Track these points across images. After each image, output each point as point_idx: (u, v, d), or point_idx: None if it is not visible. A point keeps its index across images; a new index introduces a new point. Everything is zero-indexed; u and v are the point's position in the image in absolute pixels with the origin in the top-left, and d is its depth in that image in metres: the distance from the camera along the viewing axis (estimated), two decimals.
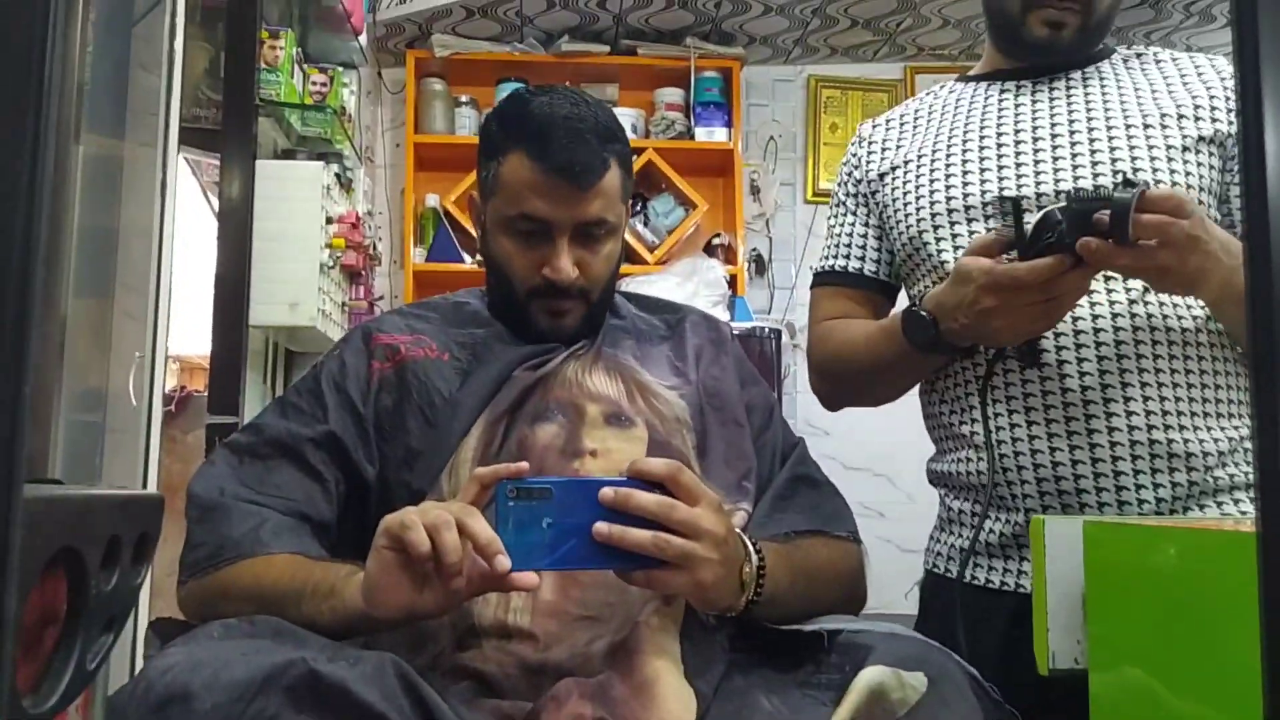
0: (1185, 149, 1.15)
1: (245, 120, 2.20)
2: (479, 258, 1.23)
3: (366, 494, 1.05)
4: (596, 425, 1.04)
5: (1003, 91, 1.26)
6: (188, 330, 2.23)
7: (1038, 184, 1.17)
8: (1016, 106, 1.24)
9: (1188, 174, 1.14)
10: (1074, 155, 1.17)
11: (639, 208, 3.48)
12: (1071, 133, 1.19)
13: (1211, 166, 1.15)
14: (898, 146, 1.32)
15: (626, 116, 3.46)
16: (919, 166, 1.27)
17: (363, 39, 2.70)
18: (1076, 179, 1.16)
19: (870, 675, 0.82)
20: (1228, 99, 1.15)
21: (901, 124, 1.36)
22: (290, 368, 2.72)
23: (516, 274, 1.10)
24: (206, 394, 2.22)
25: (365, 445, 1.05)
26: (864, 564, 1.10)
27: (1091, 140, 1.18)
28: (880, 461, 3.25)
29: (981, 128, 1.24)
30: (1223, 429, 1.14)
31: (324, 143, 2.58)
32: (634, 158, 3.46)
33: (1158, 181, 1.13)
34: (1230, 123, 1.14)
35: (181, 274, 2.14)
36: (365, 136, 3.24)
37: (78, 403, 1.85)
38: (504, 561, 0.80)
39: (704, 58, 3.47)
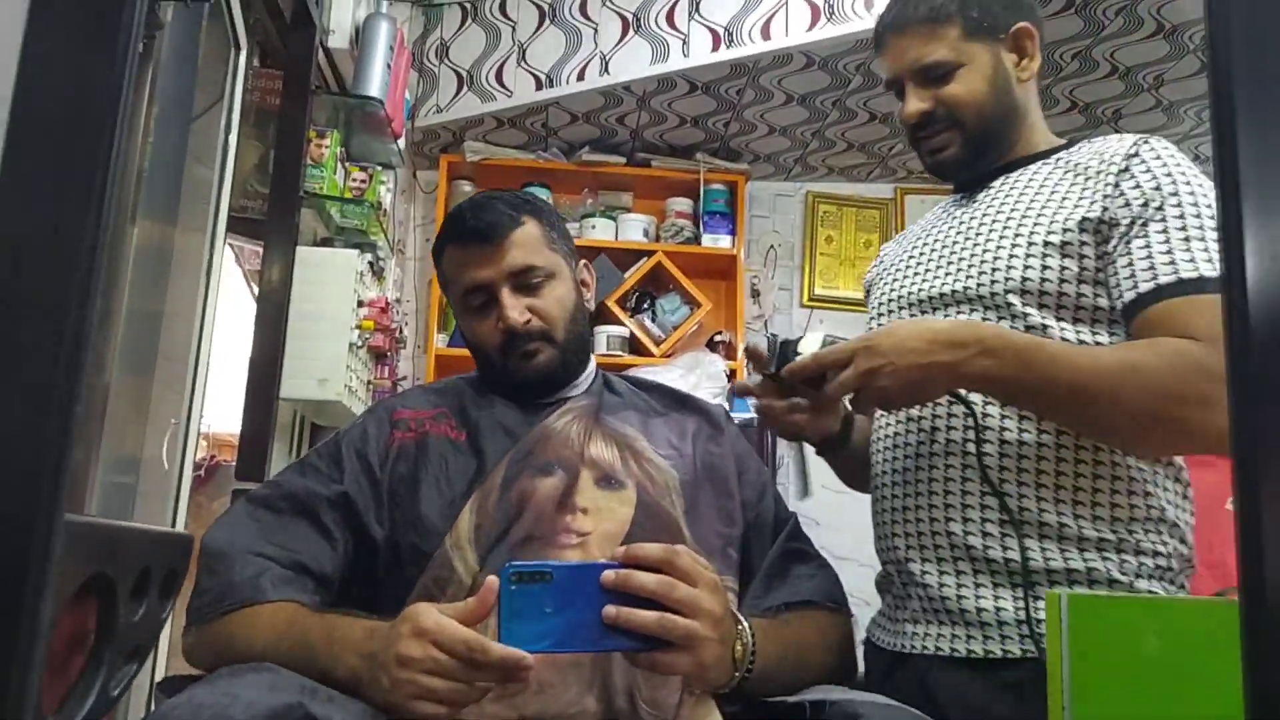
0: (1047, 244, 1.09)
1: (290, 210, 2.24)
2: None
3: (375, 554, 1.04)
4: (588, 486, 1.04)
5: (951, 204, 1.30)
6: (221, 406, 2.24)
7: (944, 283, 1.18)
8: (951, 217, 1.26)
9: (1045, 269, 1.09)
10: (967, 258, 1.17)
11: (647, 305, 3.51)
12: (967, 238, 1.19)
13: (1083, 256, 1.08)
14: (882, 257, 1.40)
15: (639, 223, 3.52)
16: (883, 271, 1.34)
17: (401, 143, 2.77)
18: (965, 280, 1.15)
19: None
20: (1115, 180, 1.08)
21: (897, 240, 1.42)
22: (315, 440, 2.72)
23: (485, 342, 1.14)
24: (234, 464, 2.21)
25: (378, 508, 1.05)
26: (853, 635, 1.08)
27: (976, 245, 1.17)
28: (869, 550, 3.20)
29: (923, 236, 1.29)
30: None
31: (360, 234, 2.62)
32: (645, 259, 3.51)
33: (1024, 278, 1.09)
34: (1105, 208, 1.07)
35: (220, 352, 2.16)
36: (398, 230, 3.30)
37: (115, 466, 1.85)
38: (528, 667, 0.79)
39: (712, 171, 3.54)
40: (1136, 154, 1.09)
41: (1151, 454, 1.07)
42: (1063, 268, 1.08)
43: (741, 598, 1.06)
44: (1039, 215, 1.12)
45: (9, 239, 0.44)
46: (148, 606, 0.55)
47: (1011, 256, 1.11)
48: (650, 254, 3.47)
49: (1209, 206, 1.04)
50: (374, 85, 2.51)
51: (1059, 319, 1.08)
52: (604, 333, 3.33)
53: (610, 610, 0.81)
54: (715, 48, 2.91)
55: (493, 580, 0.82)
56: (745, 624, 0.90)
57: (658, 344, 3.43)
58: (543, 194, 3.41)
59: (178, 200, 2.13)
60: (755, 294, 3.70)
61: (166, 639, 1.76)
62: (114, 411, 1.77)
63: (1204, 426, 0.94)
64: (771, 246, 3.76)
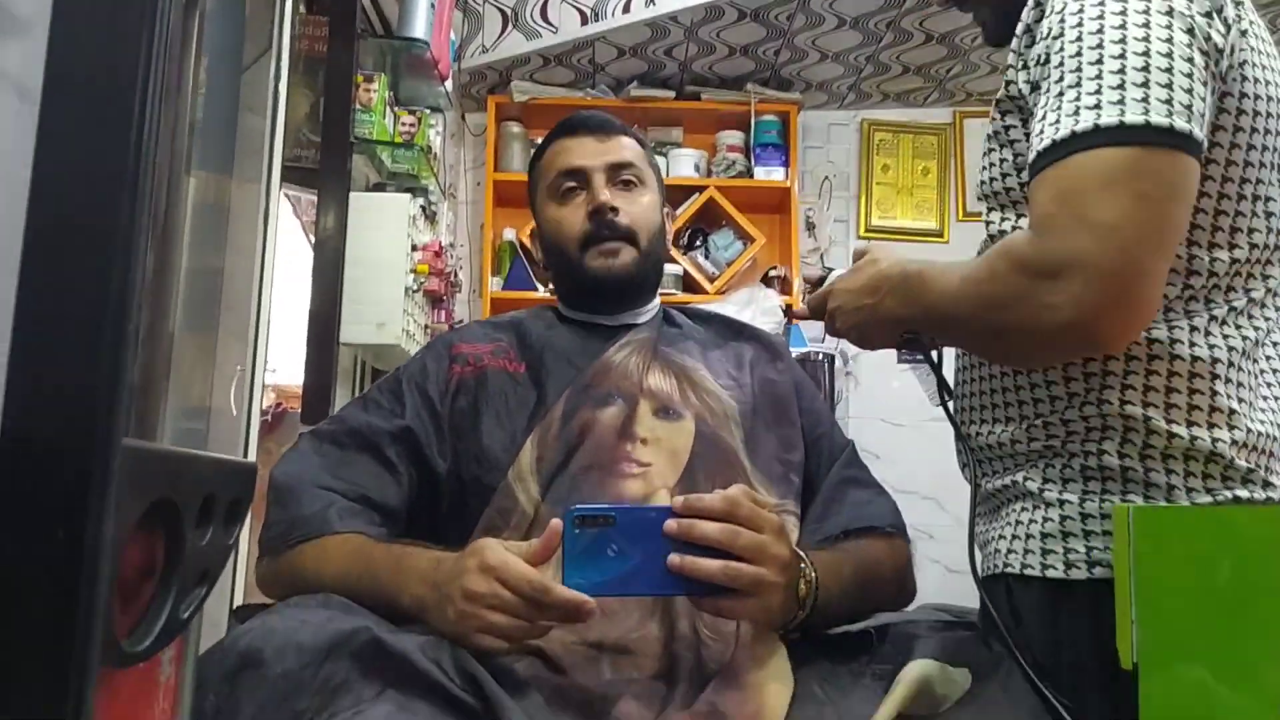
0: (987, 139, 0.99)
1: (341, 156, 2.25)
2: (550, 287, 1.26)
3: (438, 486, 1.05)
4: (646, 416, 1.03)
5: None
6: (284, 356, 2.28)
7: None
8: None
9: (988, 167, 0.99)
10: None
11: (700, 241, 3.48)
12: None
13: (1013, 141, 0.96)
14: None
15: (690, 157, 3.47)
16: None
17: (448, 85, 2.75)
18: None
19: (917, 669, 0.80)
20: (1022, 39, 0.93)
21: None
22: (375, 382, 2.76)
23: (566, 230, 1.15)
24: (300, 410, 2.26)
25: (440, 441, 1.06)
26: (911, 559, 1.07)
27: None
28: (929, 485, 3.18)
29: None
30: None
31: (411, 178, 2.62)
32: (696, 195, 3.48)
33: (979, 182, 1.01)
34: (1012, 80, 0.94)
35: (279, 300, 2.19)
36: (449, 174, 3.30)
37: (183, 414, 1.89)
38: (590, 609, 0.79)
39: (763, 102, 3.47)
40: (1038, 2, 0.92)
41: (1030, 366, 0.95)
42: (1002, 160, 0.97)
43: (802, 521, 1.05)
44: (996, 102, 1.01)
45: (54, 167, 0.44)
46: (214, 532, 0.56)
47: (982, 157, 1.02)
48: (702, 189, 3.42)
49: (1096, 29, 0.84)
50: (419, 27, 2.49)
51: (1017, 216, 0.96)
52: None
53: (675, 559, 0.80)
54: None
55: (556, 523, 0.82)
56: (807, 562, 0.90)
57: (711, 281, 3.40)
58: None
59: (232, 152, 2.14)
60: (810, 227, 3.64)
61: (243, 570, 1.82)
62: (180, 361, 1.81)
63: (1034, 327, 0.81)
64: (826, 177, 3.68)
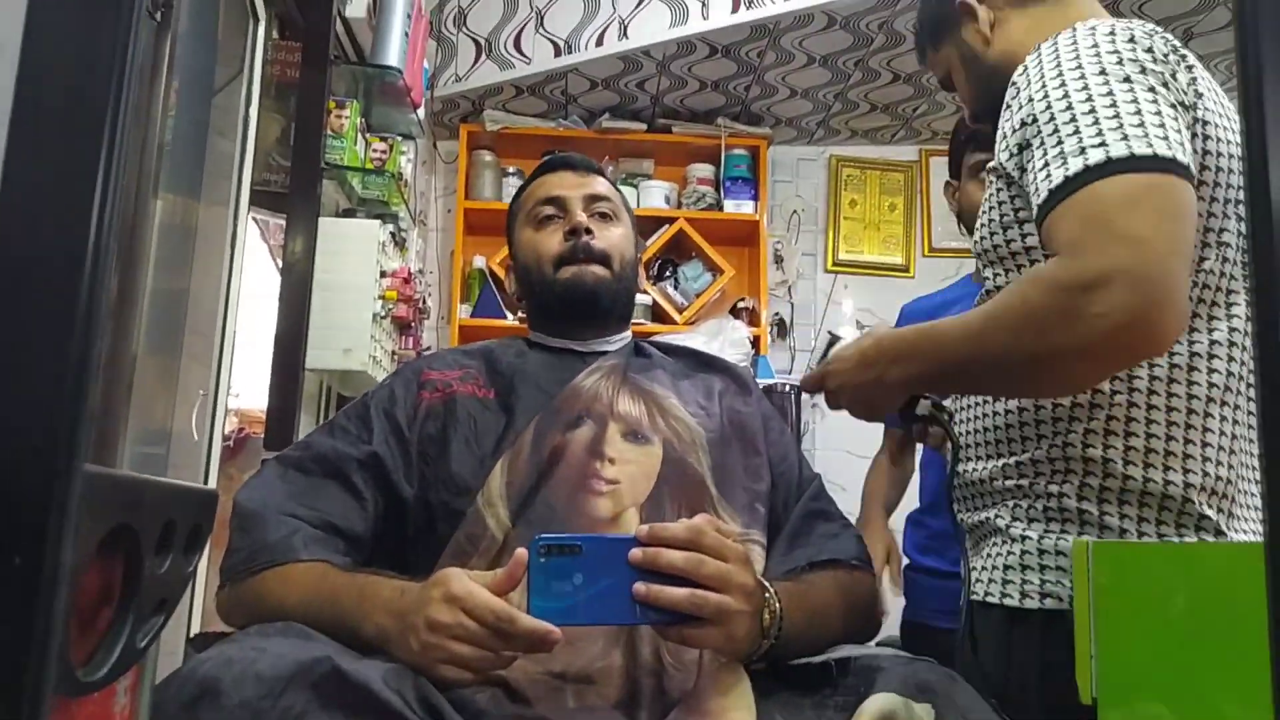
0: (983, 203, 1.05)
1: (311, 182, 2.24)
2: (520, 315, 1.27)
3: (405, 512, 1.04)
4: (616, 438, 1.04)
5: None
6: (248, 381, 2.25)
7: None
8: None
9: (983, 226, 1.05)
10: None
11: (669, 273, 3.50)
12: None
13: (1001, 202, 1.02)
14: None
15: (660, 189, 3.50)
16: None
17: (421, 112, 2.76)
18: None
19: (878, 702, 0.79)
20: (1007, 105, 1.00)
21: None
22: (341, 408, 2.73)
23: (543, 250, 1.18)
24: (263, 436, 2.24)
25: (407, 467, 1.05)
26: (877, 593, 1.08)
27: None
28: (893, 517, 3.20)
29: None
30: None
31: (381, 204, 2.62)
32: (666, 226, 3.50)
33: (977, 241, 1.06)
34: (1003, 144, 0.99)
35: (247, 326, 2.17)
36: (420, 201, 3.30)
37: (144, 438, 1.87)
38: (555, 639, 0.79)
39: (734, 136, 3.51)
40: (1022, 70, 0.98)
41: (1069, 390, 0.97)
42: (990, 220, 1.03)
43: (768, 554, 1.06)
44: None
45: (21, 190, 0.44)
46: (173, 560, 0.55)
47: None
48: (672, 221, 3.45)
49: (1080, 88, 0.90)
50: (392, 54, 2.50)
51: (1007, 271, 1.02)
52: None
53: (640, 588, 0.80)
54: (735, 9, 2.87)
55: (522, 553, 0.81)
56: (772, 591, 0.90)
57: (680, 311, 3.42)
58: None
59: (201, 175, 2.13)
60: (778, 260, 3.67)
61: (201, 598, 1.78)
62: (142, 384, 1.79)
63: (1080, 342, 0.83)
64: (795, 211, 3.73)
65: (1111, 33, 0.94)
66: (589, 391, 1.08)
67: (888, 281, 3.64)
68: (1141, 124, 0.86)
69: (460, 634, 0.79)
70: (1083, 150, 0.86)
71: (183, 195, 2.13)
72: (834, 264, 3.69)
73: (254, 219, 2.31)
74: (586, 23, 3.05)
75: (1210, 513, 0.92)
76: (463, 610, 0.80)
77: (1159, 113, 0.88)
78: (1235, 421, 0.98)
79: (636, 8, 3.00)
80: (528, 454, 1.02)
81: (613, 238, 1.19)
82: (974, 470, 1.07)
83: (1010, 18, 1.13)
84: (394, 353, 2.61)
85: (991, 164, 1.03)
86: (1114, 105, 0.88)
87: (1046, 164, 0.89)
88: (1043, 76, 0.94)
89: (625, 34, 3.00)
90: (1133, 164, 0.84)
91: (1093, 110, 0.88)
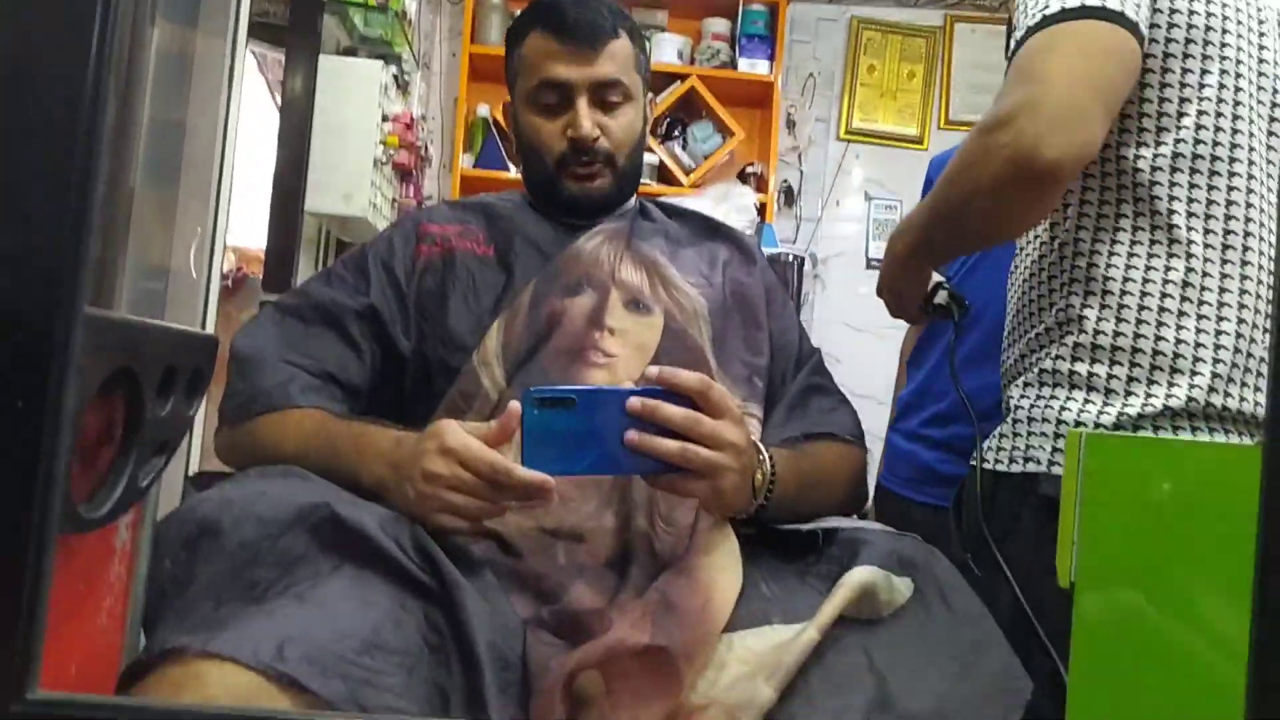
0: None
1: (312, 16, 2.16)
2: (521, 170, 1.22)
3: (402, 366, 1.05)
4: (617, 308, 1.03)
5: None
6: (247, 221, 2.23)
7: None
8: None
9: None
10: None
11: (678, 132, 3.42)
12: None
13: None
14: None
15: (673, 43, 3.38)
16: None
17: None
18: None
19: (860, 575, 0.82)
20: None
21: None
22: (340, 255, 2.72)
23: (544, 145, 1.10)
24: (261, 277, 2.23)
25: (404, 320, 1.05)
26: (866, 468, 1.10)
27: None
28: (885, 391, 3.24)
29: None
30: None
31: (384, 44, 2.53)
32: (678, 83, 3.39)
33: None
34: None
35: (243, 164, 2.13)
36: (424, 43, 3.18)
37: (143, 273, 1.86)
38: (550, 489, 0.80)
39: None
40: None
41: (1005, 230, 1.04)
42: None
43: (765, 425, 1.07)
44: None
45: (18, 26, 0.42)
46: (174, 403, 0.56)
47: None
48: (684, 78, 3.34)
49: None
50: None
51: None
52: None
53: (633, 436, 0.81)
54: None
55: (515, 405, 0.82)
56: (766, 454, 0.91)
57: (687, 173, 3.36)
58: None
59: (198, 2, 2.05)
60: (791, 125, 3.58)
61: (200, 438, 1.82)
62: (139, 219, 1.76)
63: (997, 176, 0.91)
64: (810, 74, 3.61)
65: None
66: (590, 255, 1.07)
67: (900, 153, 3.56)
68: None
69: (456, 484, 0.81)
70: (1031, 15, 0.95)
71: (178, 23, 2.05)
72: (847, 132, 3.61)
73: (252, 52, 2.23)
74: None
75: (1203, 369, 0.98)
76: (458, 461, 0.81)
77: None
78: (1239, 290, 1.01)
79: None
80: (524, 316, 1.02)
81: (620, 129, 1.10)
82: (1005, 353, 1.14)
83: None
84: (394, 200, 2.58)
85: None
86: None
87: (1013, 43, 0.98)
88: None
89: None
90: (1062, 15, 0.93)
91: None
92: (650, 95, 1.21)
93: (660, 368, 0.85)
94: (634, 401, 0.82)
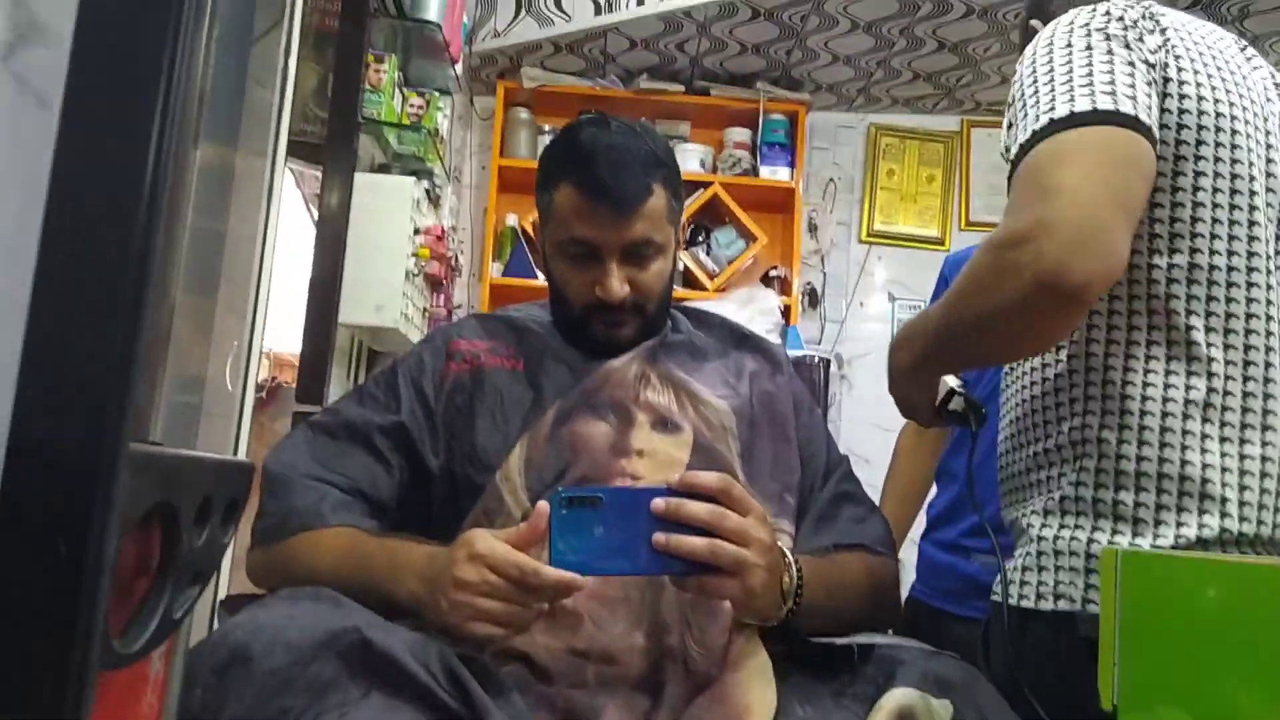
0: None
1: (348, 136, 2.24)
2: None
3: (430, 483, 1.05)
4: (644, 430, 1.03)
5: None
6: (281, 328, 2.28)
7: None
8: None
9: None
10: None
11: (702, 238, 3.48)
12: None
13: None
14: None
15: (696, 153, 3.47)
16: None
17: (458, 68, 2.74)
18: None
19: (898, 697, 0.80)
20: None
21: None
22: (372, 365, 2.76)
23: (572, 293, 1.10)
24: (295, 386, 2.26)
25: (433, 438, 1.06)
26: (898, 580, 1.08)
27: None
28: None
29: None
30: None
31: (417, 160, 2.62)
32: (701, 191, 3.46)
33: None
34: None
35: (280, 275, 2.19)
36: (455, 158, 3.29)
37: (179, 385, 1.89)
38: (581, 584, 0.81)
39: (772, 101, 3.46)
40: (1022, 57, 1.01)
41: (1023, 350, 1.00)
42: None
43: (795, 537, 1.06)
44: None
45: (75, 169, 0.44)
46: (210, 533, 0.56)
47: None
48: (707, 185, 3.42)
49: (1045, 61, 0.94)
50: (432, 8, 2.48)
51: None
52: None
53: (660, 537, 0.82)
54: None
55: (543, 505, 0.83)
56: (792, 559, 0.91)
57: (712, 278, 3.40)
58: None
59: (239, 123, 2.13)
60: (812, 228, 3.64)
61: (229, 558, 1.82)
62: (178, 332, 1.80)
63: (1015, 295, 0.84)
64: (831, 179, 3.68)
65: (1093, 9, 0.97)
66: (618, 377, 1.07)
67: (922, 254, 3.60)
68: (1089, 82, 0.89)
69: (486, 590, 0.81)
70: (1037, 119, 0.89)
71: (220, 144, 2.13)
72: (868, 234, 3.66)
73: (289, 169, 2.31)
74: None
75: (1231, 495, 0.91)
76: (487, 566, 0.81)
77: (1110, 70, 0.90)
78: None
79: None
80: (548, 435, 1.03)
81: (649, 280, 1.09)
82: (1004, 464, 1.07)
83: None
84: (425, 310, 2.62)
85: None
86: (1069, 70, 0.91)
87: (1014, 139, 0.93)
88: (1029, 57, 0.97)
89: None
90: (1071, 121, 0.87)
91: (1051, 79, 0.91)
92: (683, 222, 1.19)
93: (683, 473, 0.85)
94: (658, 502, 0.82)
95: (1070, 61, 0.92)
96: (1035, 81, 0.93)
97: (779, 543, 0.91)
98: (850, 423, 3.38)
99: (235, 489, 0.61)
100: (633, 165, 1.05)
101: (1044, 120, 0.88)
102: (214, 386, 2.01)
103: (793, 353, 3.08)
